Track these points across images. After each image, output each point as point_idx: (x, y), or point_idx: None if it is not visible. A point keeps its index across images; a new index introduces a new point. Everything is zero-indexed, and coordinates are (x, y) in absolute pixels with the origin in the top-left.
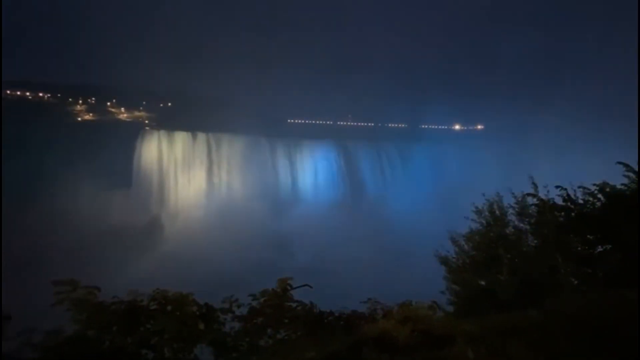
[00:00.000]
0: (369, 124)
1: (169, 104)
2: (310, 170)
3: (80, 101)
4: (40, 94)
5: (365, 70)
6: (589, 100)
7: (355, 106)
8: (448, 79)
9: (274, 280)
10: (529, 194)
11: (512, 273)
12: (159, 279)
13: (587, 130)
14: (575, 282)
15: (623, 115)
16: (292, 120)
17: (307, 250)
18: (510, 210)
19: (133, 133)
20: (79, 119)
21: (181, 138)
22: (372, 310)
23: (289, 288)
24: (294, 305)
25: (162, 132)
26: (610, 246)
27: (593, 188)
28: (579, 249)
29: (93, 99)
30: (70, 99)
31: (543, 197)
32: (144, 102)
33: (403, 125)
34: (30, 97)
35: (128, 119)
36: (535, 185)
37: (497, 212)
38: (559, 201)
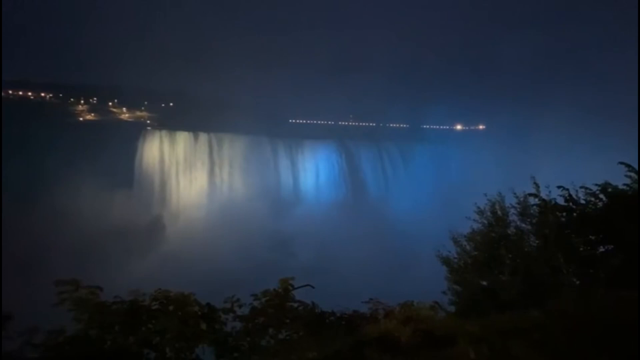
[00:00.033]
0: (371, 124)
1: (171, 104)
2: (312, 170)
3: (82, 101)
4: (42, 94)
5: (366, 70)
6: (591, 101)
7: (356, 106)
8: (449, 79)
9: (276, 280)
10: (530, 194)
11: (513, 273)
12: (160, 279)
13: (589, 130)
14: (577, 282)
15: (625, 115)
16: (294, 120)
17: (308, 250)
18: (512, 211)
19: (135, 133)
20: (81, 119)
21: (183, 138)
22: (373, 310)
23: (290, 288)
24: (296, 305)
25: (164, 132)
26: (612, 246)
27: (595, 188)
28: (581, 249)
29: (95, 99)
30: (71, 99)
31: (545, 197)
32: (146, 102)
33: (404, 126)
34: (32, 97)
35: (130, 119)
36: (537, 186)
37: (499, 212)
38: (561, 201)
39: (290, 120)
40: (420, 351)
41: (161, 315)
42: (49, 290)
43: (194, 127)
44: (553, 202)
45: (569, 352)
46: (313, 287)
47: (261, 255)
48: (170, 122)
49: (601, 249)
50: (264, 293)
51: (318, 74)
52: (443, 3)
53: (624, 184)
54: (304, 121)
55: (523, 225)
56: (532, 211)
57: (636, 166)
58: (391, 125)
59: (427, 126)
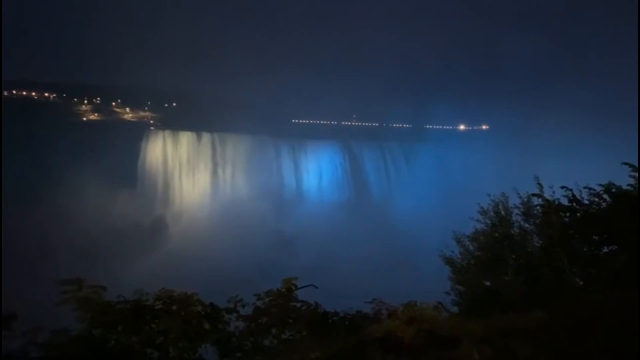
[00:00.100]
0: (374, 124)
1: (174, 104)
2: (315, 170)
3: (86, 101)
4: (46, 94)
5: (370, 71)
6: (595, 101)
7: (359, 106)
8: (453, 79)
9: (278, 280)
10: (534, 195)
11: (517, 274)
12: (163, 279)
13: (593, 130)
14: (581, 283)
15: (629, 115)
16: (297, 121)
17: (311, 250)
18: (516, 211)
19: (138, 133)
20: (84, 119)
21: (186, 138)
22: (376, 310)
23: (293, 288)
24: (299, 305)
25: (167, 132)
26: (616, 247)
27: (599, 189)
28: (585, 249)
29: (98, 99)
30: (75, 99)
31: (548, 197)
32: (149, 102)
33: (407, 126)
34: (35, 97)
35: (133, 119)
36: (540, 186)
37: (502, 212)
38: (565, 202)
39: (293, 120)
40: (424, 351)
41: (164, 315)
42: (52, 290)
43: (197, 127)
44: (557, 202)
45: (572, 352)
46: (316, 287)
47: (264, 255)
48: (173, 122)
49: (605, 250)
50: (267, 293)
51: (321, 74)
52: (446, 3)
53: (628, 185)
54: (307, 121)
55: (526, 225)
56: (535, 211)
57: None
58: (394, 125)
59: (430, 126)
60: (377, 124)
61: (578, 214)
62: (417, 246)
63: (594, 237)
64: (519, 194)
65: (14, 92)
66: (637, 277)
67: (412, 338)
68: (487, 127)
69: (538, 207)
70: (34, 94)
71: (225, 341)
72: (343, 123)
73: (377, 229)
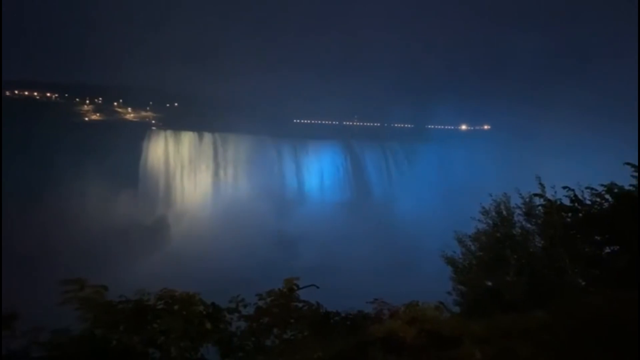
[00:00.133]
0: (375, 124)
1: (176, 104)
2: (316, 170)
3: (87, 101)
4: (48, 94)
5: (371, 70)
6: (597, 101)
7: (361, 106)
8: (454, 79)
9: (280, 279)
10: (536, 195)
11: (519, 274)
12: (165, 278)
13: (595, 130)
14: (583, 283)
15: (631, 115)
16: (298, 121)
17: (313, 250)
18: (517, 211)
19: (140, 133)
20: (86, 119)
21: (187, 138)
22: (378, 310)
23: (295, 288)
24: (300, 305)
25: (169, 132)
26: (617, 247)
27: (601, 189)
28: (587, 249)
29: (100, 99)
30: (77, 99)
31: (550, 197)
32: (151, 103)
33: (409, 126)
34: (37, 97)
35: (135, 119)
36: (542, 186)
37: (504, 212)
38: (567, 202)
39: (294, 121)
40: (426, 352)
41: (166, 315)
42: (54, 289)
43: (198, 127)
44: (558, 202)
45: (574, 352)
46: (318, 287)
47: (266, 255)
48: (175, 122)
49: (607, 250)
50: (268, 293)
51: (323, 74)
52: (448, 3)
53: (630, 185)
54: (309, 121)
55: (528, 225)
56: (537, 211)
57: None
58: (396, 125)
59: (432, 126)
60: (378, 124)
61: (580, 214)
62: (418, 246)
63: (596, 237)
64: (520, 194)
65: (16, 92)
66: (639, 277)
67: (414, 338)
68: (489, 127)
69: (540, 207)
70: (36, 94)
71: (226, 341)
72: (344, 123)
73: (378, 229)
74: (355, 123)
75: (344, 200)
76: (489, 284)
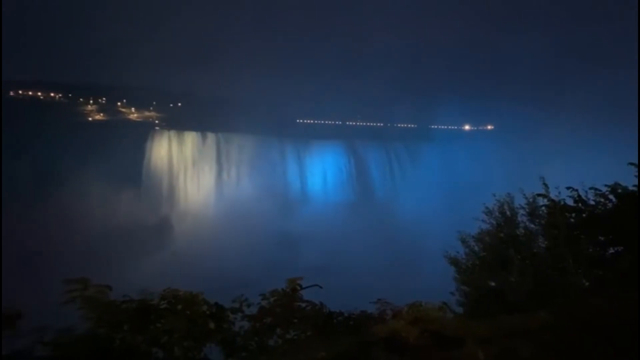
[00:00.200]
0: (378, 124)
1: (179, 104)
2: (319, 171)
3: (91, 101)
4: (52, 94)
5: (374, 70)
6: (601, 100)
7: (364, 106)
8: (458, 79)
9: (283, 279)
10: (539, 195)
11: (522, 274)
12: (168, 278)
13: (599, 130)
14: (586, 283)
15: (635, 115)
16: (301, 121)
17: (316, 250)
18: (521, 211)
19: (143, 133)
20: (90, 118)
21: (191, 138)
22: (381, 310)
23: (298, 288)
24: (304, 305)
25: (172, 132)
26: (621, 248)
27: (604, 189)
28: (590, 250)
29: (104, 99)
30: (81, 99)
31: (554, 197)
32: (154, 102)
33: (412, 126)
34: (41, 97)
35: (138, 119)
36: (546, 186)
37: (508, 212)
38: (570, 202)
39: (298, 121)
40: (429, 352)
41: (169, 315)
42: (58, 289)
43: (202, 127)
44: (562, 202)
45: (577, 353)
46: (321, 287)
47: (269, 255)
48: (178, 122)
49: (611, 250)
50: (272, 293)
51: (326, 74)
52: (451, 3)
53: (634, 185)
54: (312, 121)
55: (532, 226)
56: (541, 212)
57: None
58: (399, 125)
59: (435, 126)
60: (381, 124)
61: (584, 215)
62: (421, 246)
63: (600, 237)
64: (524, 194)
65: (20, 92)
66: None
67: (417, 338)
68: (492, 127)
69: (543, 208)
70: (39, 94)
71: (230, 341)
72: (347, 123)
73: (381, 229)
74: (358, 123)
75: (347, 200)
76: (492, 284)
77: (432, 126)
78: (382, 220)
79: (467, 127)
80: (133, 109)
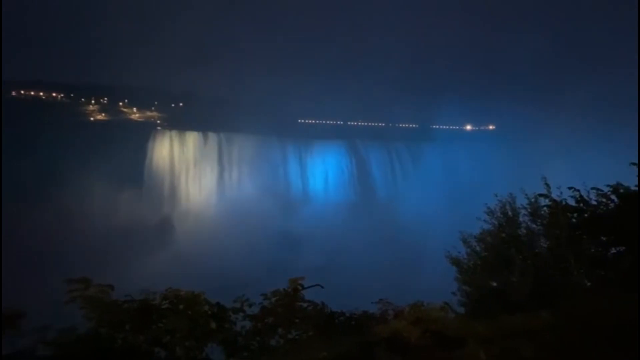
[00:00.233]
0: (380, 124)
1: (181, 104)
2: (321, 171)
3: (93, 101)
4: (54, 94)
5: (376, 71)
6: (603, 100)
7: (365, 106)
8: (459, 79)
9: (285, 279)
10: (541, 195)
11: (524, 274)
12: (170, 278)
13: (601, 130)
14: (588, 283)
15: (637, 115)
16: (303, 121)
17: (317, 250)
18: (523, 211)
19: (145, 133)
20: (92, 119)
21: (192, 138)
22: (383, 310)
23: (300, 288)
24: (305, 305)
25: (174, 132)
26: (623, 248)
27: (606, 189)
28: (592, 250)
29: (105, 99)
30: (83, 99)
31: (556, 198)
32: (156, 103)
33: (414, 126)
34: (44, 97)
35: (140, 119)
36: (548, 186)
37: (510, 212)
38: (572, 202)
39: (299, 121)
40: (430, 352)
41: (171, 314)
42: (60, 288)
43: (203, 127)
44: (564, 203)
45: (579, 353)
46: (322, 287)
47: (270, 255)
48: (180, 122)
49: (612, 250)
50: (273, 293)
51: (327, 74)
52: (453, 3)
53: (636, 185)
54: (313, 121)
55: (534, 226)
56: (542, 212)
57: None
58: (401, 125)
59: (437, 126)
60: (383, 124)
61: (585, 215)
62: (423, 246)
63: (602, 238)
64: (526, 194)
65: (22, 92)
66: None
67: (419, 339)
68: (494, 127)
69: (545, 208)
70: (42, 94)
71: (231, 341)
72: (349, 123)
73: (383, 229)
74: (359, 123)
75: (348, 200)
76: (494, 284)
77: (434, 126)
78: (383, 220)
79: (468, 127)
80: (135, 109)
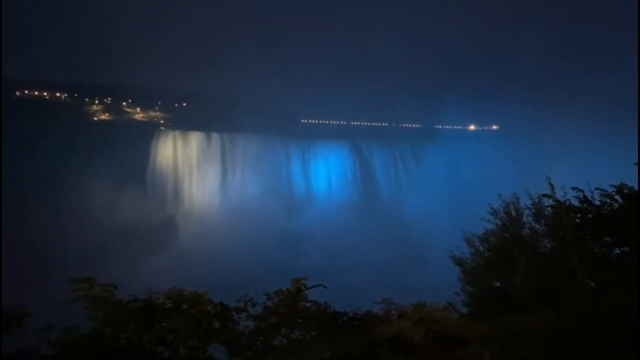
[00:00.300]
0: (383, 124)
1: (184, 104)
2: (324, 171)
3: (97, 101)
4: (57, 94)
5: (379, 71)
6: (606, 101)
7: (369, 106)
8: (463, 79)
9: (288, 279)
10: (545, 195)
11: (527, 274)
12: (173, 278)
13: (605, 130)
14: (592, 284)
15: (638, 115)
16: (306, 121)
17: (320, 250)
18: (526, 212)
19: (148, 133)
20: (95, 118)
21: (196, 138)
22: (386, 310)
23: (303, 288)
24: (308, 305)
25: (177, 132)
26: (627, 248)
27: (610, 189)
28: (596, 251)
29: (109, 99)
30: (86, 99)
31: (559, 198)
32: (159, 102)
33: (417, 126)
34: (47, 97)
35: (143, 119)
36: (551, 186)
37: (513, 213)
38: (576, 202)
39: (302, 120)
40: (434, 352)
41: (175, 314)
42: (64, 288)
43: (206, 127)
44: (568, 203)
45: (582, 354)
46: (325, 287)
47: (273, 255)
48: (183, 122)
49: (616, 251)
50: (276, 292)
51: (331, 74)
52: (456, 3)
53: None
54: (317, 121)
55: (537, 226)
56: (546, 212)
57: None
58: (404, 125)
59: (440, 126)
60: (386, 124)
61: (589, 215)
62: (426, 246)
63: (606, 238)
64: (529, 194)
65: (26, 92)
66: None
67: (422, 339)
68: (497, 127)
69: (549, 208)
70: (45, 94)
71: (234, 340)
72: (352, 123)
73: (386, 229)
74: (363, 123)
75: (351, 200)
76: (497, 284)
77: (437, 126)
78: (386, 220)
79: (472, 127)
80: (138, 109)
